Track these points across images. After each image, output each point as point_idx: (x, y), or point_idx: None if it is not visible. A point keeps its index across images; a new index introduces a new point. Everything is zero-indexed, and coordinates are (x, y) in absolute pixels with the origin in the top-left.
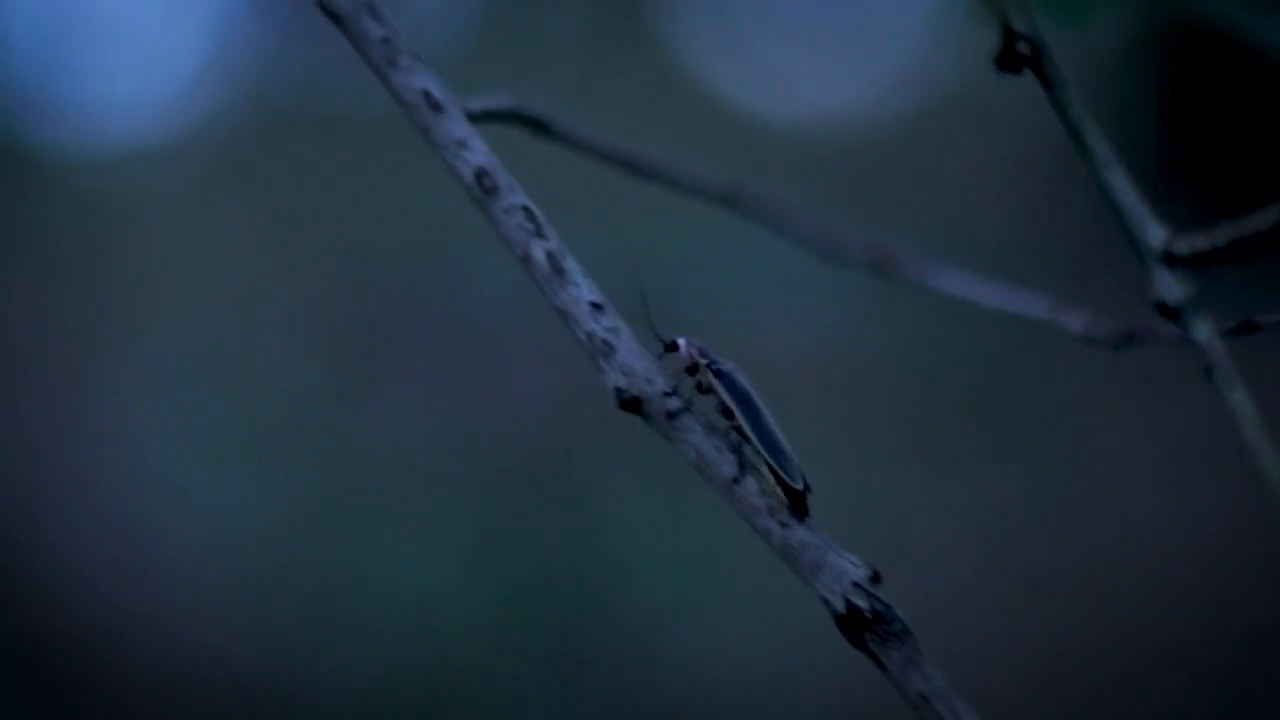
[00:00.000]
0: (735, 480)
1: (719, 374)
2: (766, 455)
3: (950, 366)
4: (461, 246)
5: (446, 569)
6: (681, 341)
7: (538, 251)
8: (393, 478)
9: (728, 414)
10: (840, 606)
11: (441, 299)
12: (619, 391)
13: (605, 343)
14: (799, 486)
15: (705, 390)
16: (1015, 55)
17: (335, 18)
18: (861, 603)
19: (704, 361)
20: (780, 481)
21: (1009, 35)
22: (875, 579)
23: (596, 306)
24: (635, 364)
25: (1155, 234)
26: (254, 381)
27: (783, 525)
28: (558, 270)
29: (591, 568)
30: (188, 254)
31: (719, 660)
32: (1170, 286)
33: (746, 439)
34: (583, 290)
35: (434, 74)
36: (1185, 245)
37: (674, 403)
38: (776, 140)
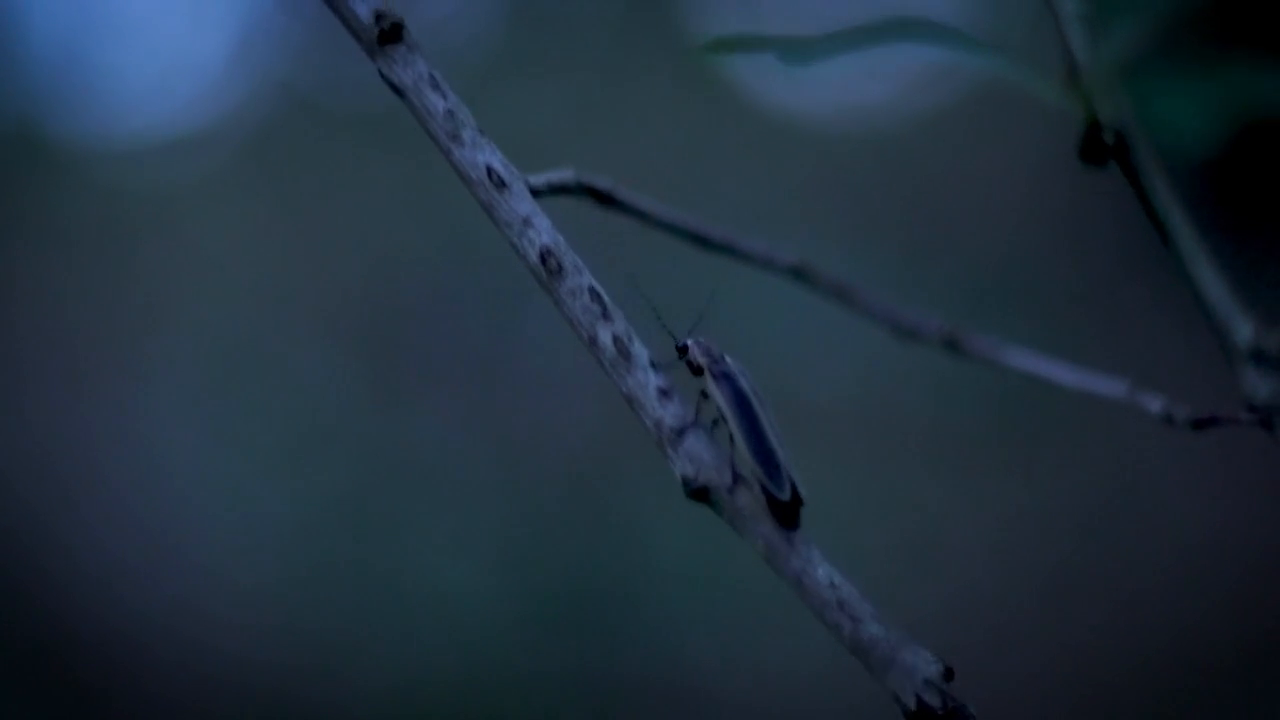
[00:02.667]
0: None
1: (719, 376)
2: (753, 462)
3: (981, 375)
4: (496, 243)
5: (475, 577)
6: (691, 343)
7: (604, 335)
8: (423, 483)
9: (724, 419)
10: (911, 703)
11: (474, 298)
12: (686, 480)
13: (673, 430)
14: (783, 497)
15: (706, 395)
16: (1100, 146)
17: (397, 90)
18: (933, 700)
19: (707, 362)
20: (766, 492)
21: (1094, 126)
22: (948, 675)
23: (664, 393)
24: (703, 453)
25: (1244, 331)
26: (282, 381)
27: (853, 620)
28: (624, 355)
29: (621, 578)
30: (214, 248)
31: (744, 673)
32: (1259, 385)
33: (735, 445)
34: (650, 376)
35: (497, 149)
36: (1275, 342)
37: (743, 498)
38: (803, 136)
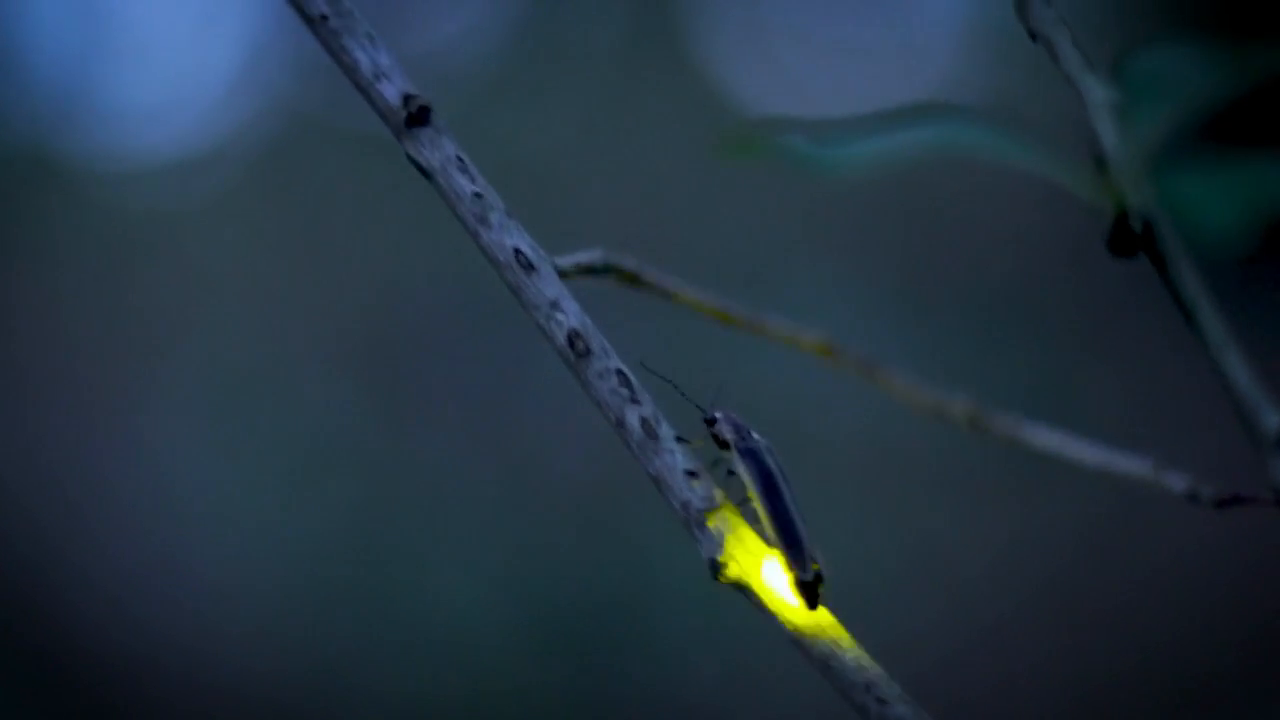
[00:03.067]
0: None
1: (745, 453)
2: (778, 541)
3: (991, 398)
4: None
5: (481, 596)
6: (719, 415)
7: (632, 418)
8: (428, 503)
9: (750, 496)
10: None
11: (480, 317)
12: (714, 565)
13: (700, 513)
14: (806, 577)
15: (731, 471)
16: (1129, 237)
17: (425, 172)
18: None
19: (734, 438)
20: (789, 571)
21: (1123, 216)
22: None
23: (692, 474)
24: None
25: (1271, 420)
26: (288, 401)
27: (880, 701)
28: (652, 436)
29: (627, 597)
30: (220, 268)
31: (752, 692)
32: None
33: (762, 524)
34: (678, 458)
35: (524, 231)
36: None
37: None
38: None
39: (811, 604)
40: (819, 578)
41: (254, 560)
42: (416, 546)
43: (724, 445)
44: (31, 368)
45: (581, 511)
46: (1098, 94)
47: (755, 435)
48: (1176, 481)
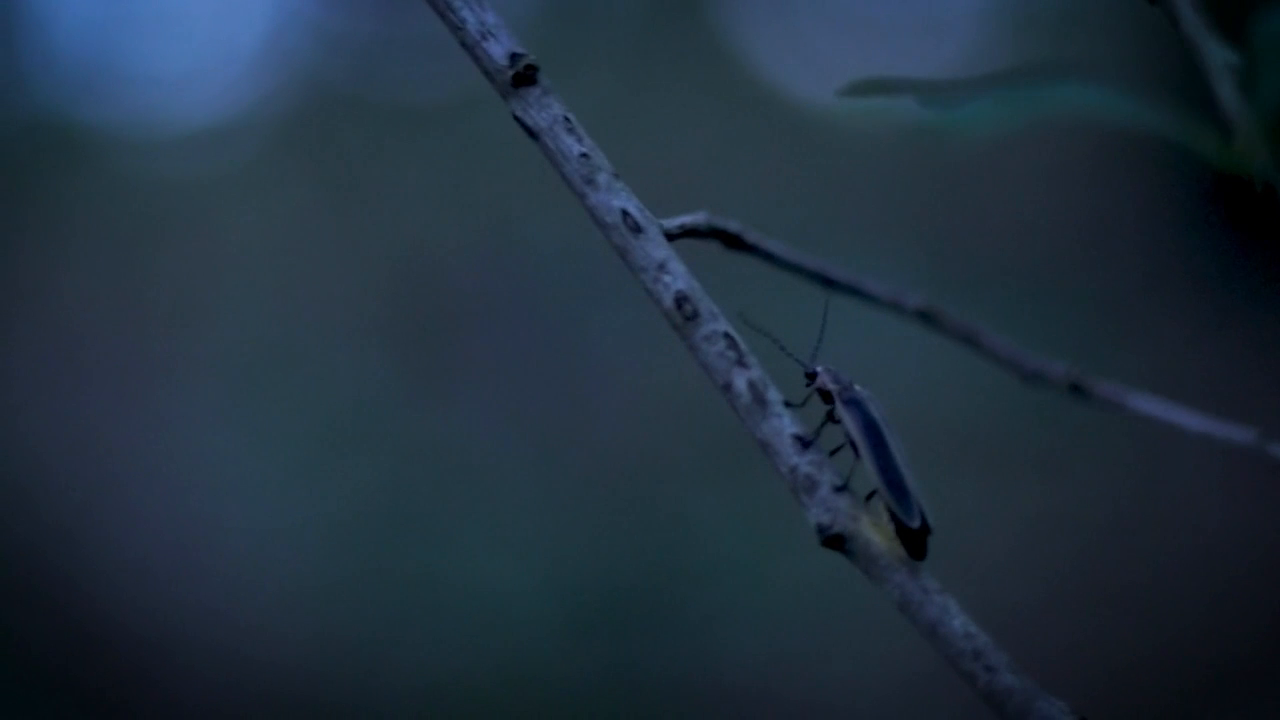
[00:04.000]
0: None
1: (849, 403)
2: (883, 489)
3: (1005, 378)
4: (531, 236)
5: (515, 575)
6: (820, 369)
7: (739, 381)
8: (460, 480)
9: (854, 446)
10: None
11: (511, 291)
12: (821, 528)
13: (808, 478)
14: (912, 525)
15: (835, 420)
16: (1252, 202)
17: (532, 133)
18: None
19: (837, 389)
20: (895, 520)
21: (1246, 182)
22: None
23: (801, 440)
24: (839, 501)
25: None
26: (315, 378)
27: (989, 670)
28: (760, 401)
29: (665, 576)
30: (246, 240)
31: (792, 671)
32: None
33: (867, 473)
34: (785, 422)
35: (631, 193)
36: None
37: (878, 546)
38: (834, 131)
39: (918, 554)
40: (926, 527)
41: (279, 543)
42: (448, 525)
43: (827, 398)
44: (52, 343)
45: (616, 487)
46: (1220, 58)
47: (858, 387)
48: None
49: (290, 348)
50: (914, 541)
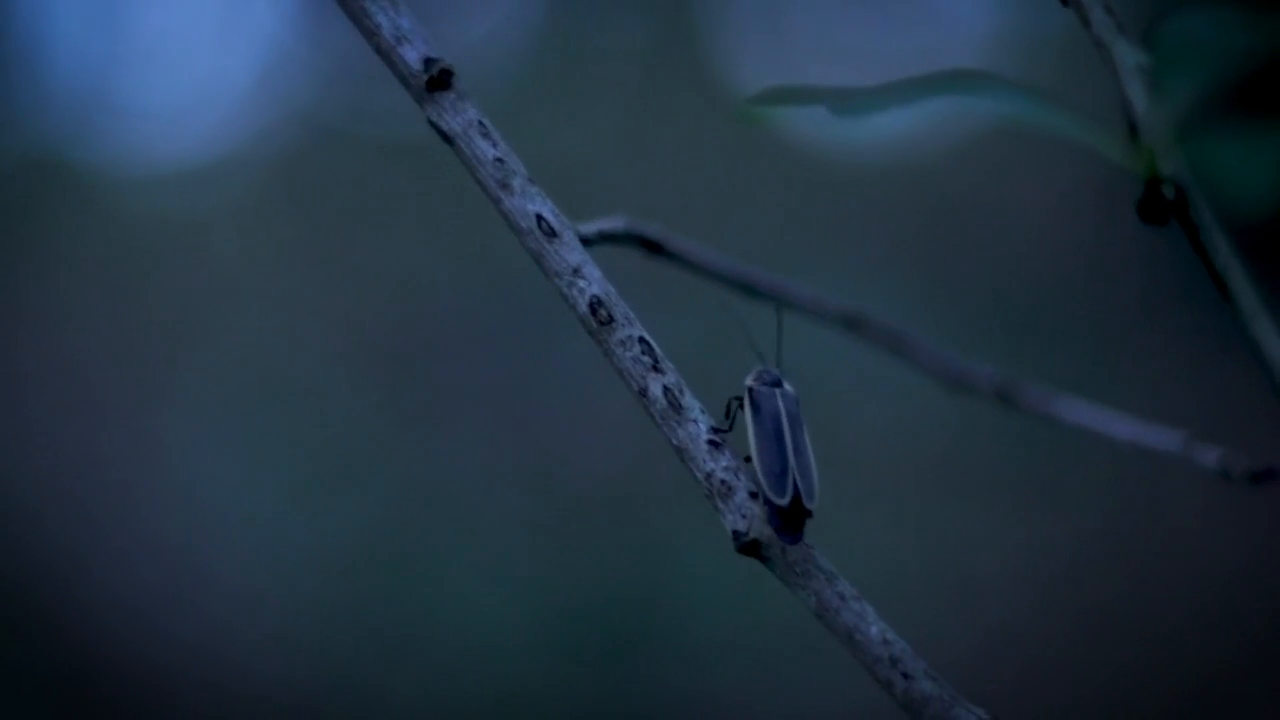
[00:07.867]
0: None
1: (750, 392)
2: (757, 467)
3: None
4: (519, 270)
5: (503, 603)
6: (756, 370)
7: (655, 387)
8: (450, 509)
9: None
10: None
11: (501, 324)
12: (737, 534)
13: (724, 484)
14: (779, 502)
15: (737, 408)
16: (1160, 204)
17: (446, 137)
18: None
19: (753, 383)
20: (765, 499)
21: (1154, 183)
22: None
23: (715, 445)
24: (755, 507)
25: None
26: (308, 408)
27: (906, 677)
28: (675, 406)
29: (652, 605)
30: (239, 275)
31: (777, 698)
32: None
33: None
34: (701, 428)
35: (546, 197)
36: None
37: (795, 553)
38: (827, 166)
39: (788, 530)
40: (799, 506)
41: (276, 566)
42: (438, 551)
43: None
44: (50, 375)
45: (604, 515)
46: (1129, 59)
47: (784, 385)
48: (1208, 456)
49: (283, 380)
50: (783, 517)
